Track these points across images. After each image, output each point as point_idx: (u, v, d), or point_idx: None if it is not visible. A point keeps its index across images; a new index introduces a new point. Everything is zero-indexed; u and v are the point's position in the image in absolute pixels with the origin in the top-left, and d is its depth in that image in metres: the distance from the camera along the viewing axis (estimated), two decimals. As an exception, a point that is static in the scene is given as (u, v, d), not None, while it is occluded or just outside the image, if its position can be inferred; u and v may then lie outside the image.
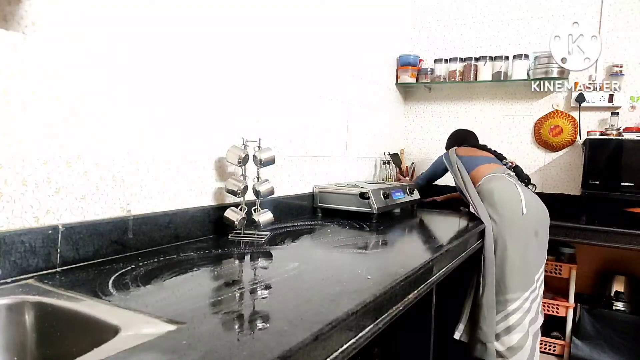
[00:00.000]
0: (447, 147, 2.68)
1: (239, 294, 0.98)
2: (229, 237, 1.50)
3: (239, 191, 1.48)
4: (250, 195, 1.55)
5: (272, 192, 1.58)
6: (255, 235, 1.51)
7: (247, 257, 1.31)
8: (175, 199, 1.39)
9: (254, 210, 1.54)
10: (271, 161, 1.55)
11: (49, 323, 0.86)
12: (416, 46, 3.35)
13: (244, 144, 1.50)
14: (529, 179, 2.38)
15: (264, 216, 1.54)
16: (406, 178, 2.98)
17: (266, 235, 1.53)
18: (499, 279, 2.05)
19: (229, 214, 1.48)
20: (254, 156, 1.52)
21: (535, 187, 2.39)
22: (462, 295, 2.14)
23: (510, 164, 2.41)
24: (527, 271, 2.10)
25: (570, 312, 2.63)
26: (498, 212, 2.11)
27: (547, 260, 2.68)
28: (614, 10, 2.78)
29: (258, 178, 1.56)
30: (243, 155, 1.47)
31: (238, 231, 1.52)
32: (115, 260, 1.16)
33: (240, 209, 1.50)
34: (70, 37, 1.07)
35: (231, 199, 1.57)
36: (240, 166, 1.50)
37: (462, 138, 2.68)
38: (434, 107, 3.32)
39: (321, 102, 2.22)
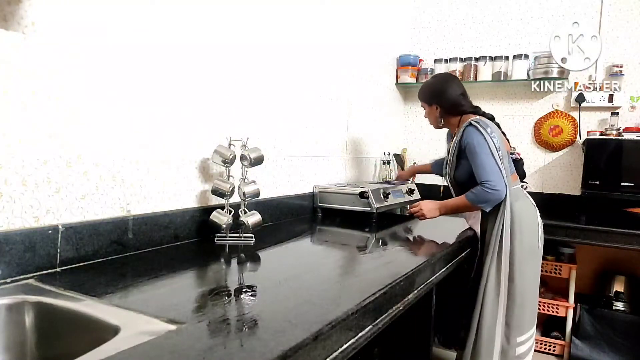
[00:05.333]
0: (446, 106, 1.88)
1: (238, 294, 0.98)
2: (228, 237, 1.49)
3: (227, 193, 1.43)
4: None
5: (257, 194, 1.52)
6: (252, 237, 1.50)
7: (248, 258, 1.32)
8: (175, 198, 1.39)
9: (241, 211, 1.49)
10: (259, 161, 1.50)
11: (49, 323, 0.86)
12: (416, 46, 3.35)
13: (230, 143, 1.46)
14: (524, 176, 2.03)
15: (252, 217, 1.48)
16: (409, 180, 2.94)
17: (251, 237, 1.48)
18: (509, 320, 1.75)
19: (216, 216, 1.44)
20: (242, 155, 1.48)
21: (526, 187, 1.98)
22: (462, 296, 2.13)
23: (516, 155, 1.98)
24: (535, 306, 1.87)
25: (570, 312, 2.62)
26: (521, 241, 1.75)
27: (547, 260, 2.69)
28: (614, 10, 2.78)
29: (245, 179, 1.51)
30: (231, 156, 1.43)
31: (234, 232, 1.51)
32: (115, 260, 1.16)
33: (239, 211, 1.50)
34: (70, 38, 1.07)
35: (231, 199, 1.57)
36: (227, 167, 1.46)
37: (468, 101, 1.93)
38: (434, 107, 3.31)
39: (321, 102, 2.22)
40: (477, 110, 1.91)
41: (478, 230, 1.88)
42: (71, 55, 1.07)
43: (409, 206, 2.00)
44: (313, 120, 2.15)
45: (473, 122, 1.77)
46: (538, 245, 1.82)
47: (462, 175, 1.84)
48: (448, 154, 1.93)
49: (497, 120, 1.98)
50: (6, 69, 0.95)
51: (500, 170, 1.70)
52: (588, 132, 2.76)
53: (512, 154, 1.93)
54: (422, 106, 2.02)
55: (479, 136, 1.73)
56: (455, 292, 1.91)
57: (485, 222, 1.82)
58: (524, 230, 1.76)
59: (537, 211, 1.87)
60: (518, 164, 1.96)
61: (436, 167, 2.22)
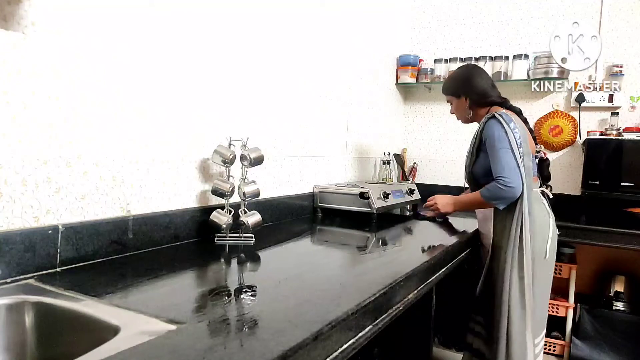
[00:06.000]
0: (474, 96, 1.87)
1: (238, 294, 0.98)
2: (228, 237, 1.49)
3: (227, 193, 1.43)
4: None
5: (257, 194, 1.52)
6: (252, 237, 1.50)
7: (248, 258, 1.31)
8: (175, 198, 1.39)
9: (241, 211, 1.49)
10: (259, 161, 1.50)
11: (49, 323, 0.86)
12: (416, 46, 3.35)
13: (230, 143, 1.46)
14: (549, 178, 1.92)
15: (252, 217, 1.48)
16: (409, 180, 2.94)
17: (251, 237, 1.48)
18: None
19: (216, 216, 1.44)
20: (242, 155, 1.48)
21: (551, 189, 1.91)
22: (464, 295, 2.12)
23: (542, 155, 1.89)
24: (543, 315, 1.81)
25: (570, 312, 2.63)
26: (533, 246, 1.68)
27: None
28: (614, 10, 2.78)
29: (245, 179, 1.51)
30: (231, 156, 1.43)
31: (234, 232, 1.51)
32: (115, 260, 1.16)
33: (239, 211, 1.50)
34: (71, 38, 1.07)
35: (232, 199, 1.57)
36: (227, 167, 1.45)
37: (497, 91, 1.90)
38: (434, 107, 3.32)
39: (321, 102, 2.22)
40: (505, 102, 1.85)
41: (490, 231, 1.78)
42: (71, 55, 1.07)
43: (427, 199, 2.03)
44: (313, 120, 2.15)
45: (497, 115, 1.71)
46: (545, 254, 1.72)
47: (479, 169, 1.78)
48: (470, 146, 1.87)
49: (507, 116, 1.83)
50: (6, 69, 0.95)
51: (518, 167, 1.63)
52: (588, 132, 2.76)
53: (537, 152, 1.85)
54: (448, 101, 1.95)
55: (500, 130, 1.67)
56: (455, 292, 1.91)
57: (499, 223, 1.74)
58: (534, 236, 1.68)
59: (552, 220, 1.79)
60: (543, 164, 1.88)
61: None
